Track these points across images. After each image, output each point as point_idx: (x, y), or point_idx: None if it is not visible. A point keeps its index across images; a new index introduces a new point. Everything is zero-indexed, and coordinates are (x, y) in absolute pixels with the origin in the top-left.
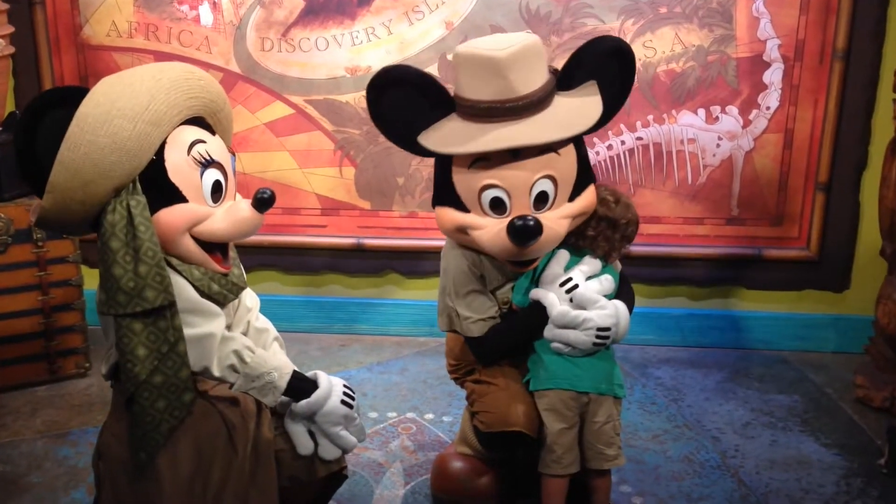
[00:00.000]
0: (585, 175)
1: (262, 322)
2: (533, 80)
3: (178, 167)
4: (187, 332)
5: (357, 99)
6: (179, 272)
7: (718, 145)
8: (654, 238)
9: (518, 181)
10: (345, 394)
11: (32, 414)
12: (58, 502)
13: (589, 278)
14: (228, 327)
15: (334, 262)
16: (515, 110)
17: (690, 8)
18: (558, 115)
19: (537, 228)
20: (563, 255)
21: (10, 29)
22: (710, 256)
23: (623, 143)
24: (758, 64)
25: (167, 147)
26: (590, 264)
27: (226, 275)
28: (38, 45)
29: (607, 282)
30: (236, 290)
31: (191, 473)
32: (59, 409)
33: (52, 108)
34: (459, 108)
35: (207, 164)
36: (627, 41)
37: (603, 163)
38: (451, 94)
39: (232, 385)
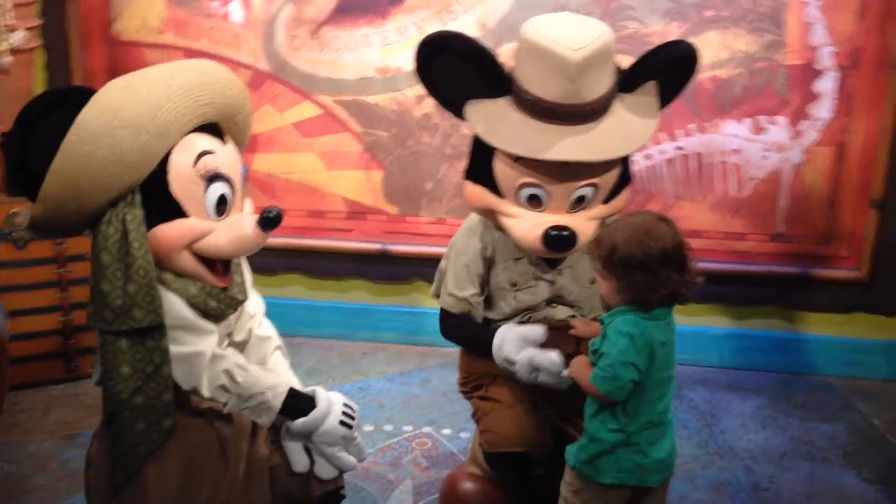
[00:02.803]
0: (624, 178)
1: (266, 329)
2: (600, 85)
3: (182, 180)
4: (176, 349)
5: (386, 100)
6: (174, 290)
7: (765, 157)
8: (692, 253)
9: (562, 187)
10: (344, 413)
11: (46, 412)
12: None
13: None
14: (229, 335)
15: (359, 267)
16: (577, 117)
17: (739, 12)
18: (619, 126)
19: (572, 240)
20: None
21: (37, 22)
22: (753, 274)
23: (662, 152)
24: (809, 72)
25: (172, 158)
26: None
27: (225, 288)
28: (69, 39)
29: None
30: (235, 304)
31: (179, 487)
32: (72, 408)
33: (49, 111)
34: (515, 95)
35: (214, 178)
36: None
37: (641, 173)
38: (507, 71)
39: (224, 405)
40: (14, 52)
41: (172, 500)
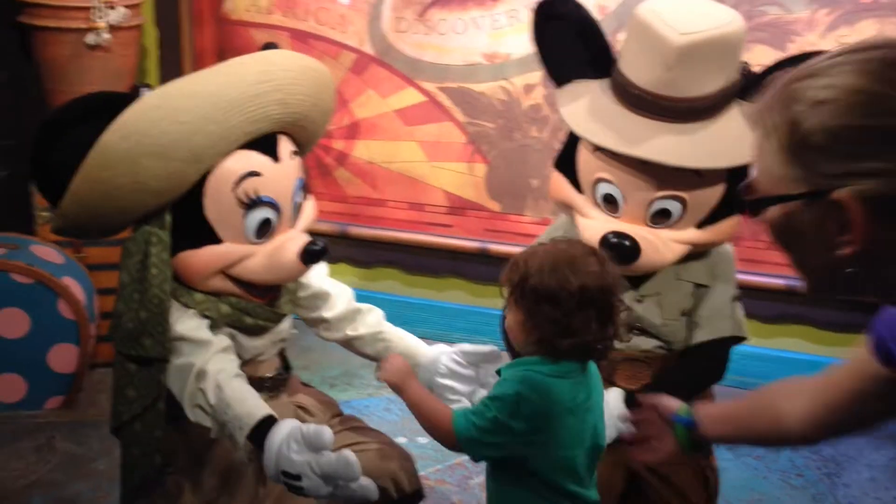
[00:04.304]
0: (732, 204)
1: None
2: (706, 81)
3: (218, 204)
4: (173, 360)
5: (493, 89)
6: (201, 311)
7: None
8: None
9: (638, 191)
10: (284, 473)
11: None
12: (112, 493)
13: None
14: (282, 340)
15: (458, 265)
16: (670, 112)
17: None
18: (722, 135)
19: (631, 254)
20: None
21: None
22: None
23: None
24: None
25: (210, 179)
26: None
27: (270, 301)
28: (180, 17)
29: None
30: (277, 317)
31: (212, 501)
32: None
33: (80, 120)
34: (613, 78)
35: (255, 203)
36: (818, 35)
37: None
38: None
39: (210, 430)
40: (112, 28)
41: None
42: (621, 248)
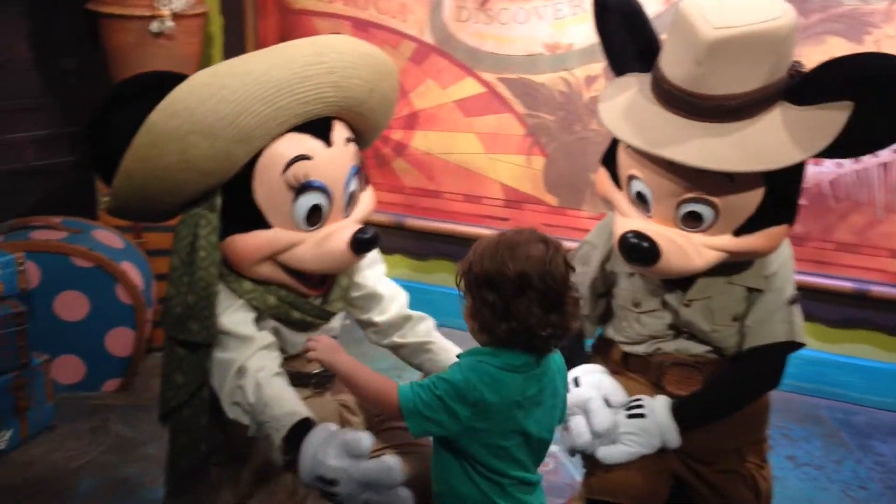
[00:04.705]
0: (773, 213)
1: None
2: (740, 79)
3: (267, 189)
4: (216, 353)
5: (554, 80)
6: (248, 300)
7: None
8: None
9: (666, 191)
10: (319, 478)
11: None
12: (157, 480)
13: None
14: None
15: None
16: (699, 111)
17: None
18: (757, 138)
19: (649, 255)
20: None
21: None
22: None
23: (876, 154)
24: None
25: (259, 162)
26: None
27: (323, 296)
28: (244, 5)
29: None
30: (326, 315)
31: (248, 494)
32: None
33: (135, 98)
34: (652, 73)
35: (305, 188)
36: None
37: (845, 178)
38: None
39: (248, 428)
40: (176, 16)
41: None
42: (639, 249)
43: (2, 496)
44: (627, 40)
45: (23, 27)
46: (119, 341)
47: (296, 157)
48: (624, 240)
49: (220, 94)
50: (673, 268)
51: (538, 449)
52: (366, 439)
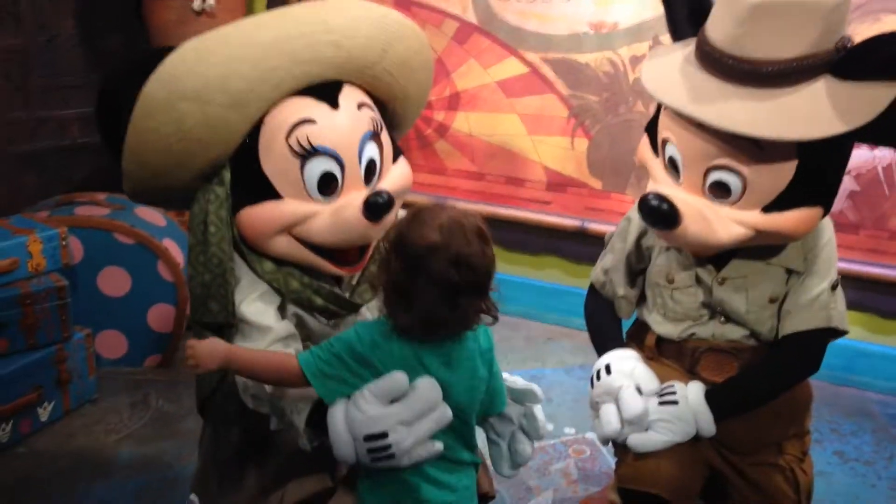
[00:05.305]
0: (804, 193)
1: None
2: (781, 45)
3: (273, 155)
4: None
5: (599, 60)
6: (269, 281)
7: None
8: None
9: (694, 156)
10: (370, 451)
11: None
12: (192, 455)
13: None
14: None
15: (556, 244)
16: (736, 73)
17: None
18: (793, 106)
19: (668, 218)
20: None
21: None
22: None
23: None
24: None
25: (264, 128)
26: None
27: (354, 285)
28: None
29: None
30: (350, 307)
31: (273, 486)
32: None
33: (130, 80)
34: (698, 34)
35: (311, 153)
36: None
37: (880, 168)
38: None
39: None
40: None
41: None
42: (658, 211)
43: (43, 465)
44: (680, 3)
45: (69, 5)
46: (160, 317)
47: (298, 122)
48: (644, 200)
49: (206, 59)
50: (693, 235)
51: (457, 428)
52: (400, 375)
